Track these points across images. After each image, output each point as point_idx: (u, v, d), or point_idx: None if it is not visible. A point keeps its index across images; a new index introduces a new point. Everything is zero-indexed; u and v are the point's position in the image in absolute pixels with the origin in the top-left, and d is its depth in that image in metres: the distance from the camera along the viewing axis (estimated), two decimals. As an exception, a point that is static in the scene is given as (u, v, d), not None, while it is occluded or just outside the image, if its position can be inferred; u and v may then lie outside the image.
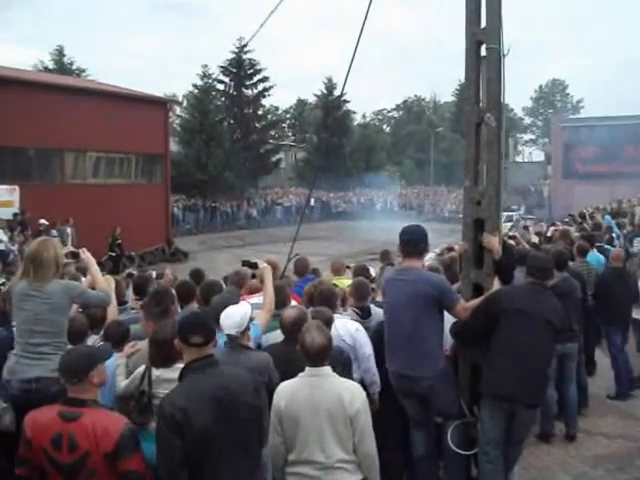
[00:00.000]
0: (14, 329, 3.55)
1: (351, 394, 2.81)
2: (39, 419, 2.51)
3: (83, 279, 4.32)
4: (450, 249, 6.65)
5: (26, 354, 3.21)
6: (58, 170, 18.67)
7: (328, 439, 2.76)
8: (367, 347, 3.87)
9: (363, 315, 4.24)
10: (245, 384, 2.65)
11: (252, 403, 2.63)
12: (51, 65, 35.18)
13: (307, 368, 2.86)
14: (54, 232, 15.36)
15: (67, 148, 18.46)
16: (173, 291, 4.19)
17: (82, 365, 2.54)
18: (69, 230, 16.06)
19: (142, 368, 3.06)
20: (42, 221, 15.17)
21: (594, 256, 7.02)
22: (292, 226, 23.43)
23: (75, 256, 3.85)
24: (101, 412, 2.58)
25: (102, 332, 3.69)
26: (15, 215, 14.93)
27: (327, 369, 2.86)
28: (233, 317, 3.16)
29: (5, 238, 13.83)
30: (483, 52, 3.88)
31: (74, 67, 35.87)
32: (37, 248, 3.37)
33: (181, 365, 2.90)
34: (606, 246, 8.25)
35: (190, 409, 2.45)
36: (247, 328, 3.23)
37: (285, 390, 2.83)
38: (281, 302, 4.05)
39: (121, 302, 4.64)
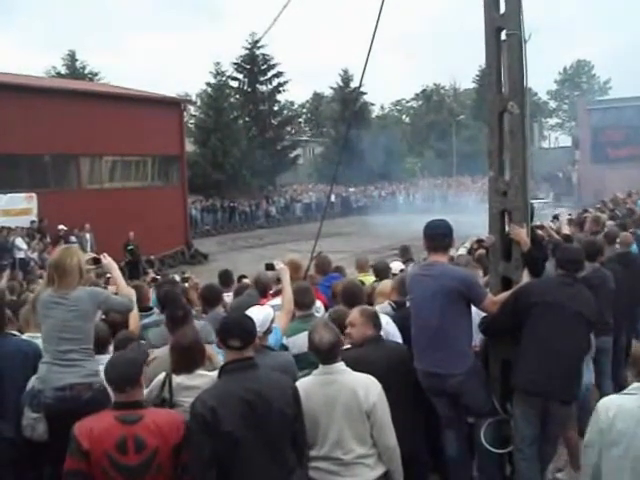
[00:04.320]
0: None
1: (365, 388, 2.84)
2: (96, 428, 2.53)
3: (110, 287, 4.34)
4: (480, 241, 6.37)
5: (57, 361, 3.22)
6: (74, 176, 18.69)
7: (346, 435, 2.80)
8: (398, 340, 3.86)
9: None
10: (282, 390, 2.65)
11: (285, 409, 2.61)
12: (63, 70, 35.36)
13: (320, 366, 2.91)
14: (73, 238, 15.36)
15: (82, 153, 18.44)
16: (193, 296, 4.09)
17: (133, 372, 2.62)
18: (88, 236, 16.06)
19: (162, 375, 3.04)
20: (61, 227, 15.19)
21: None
22: (312, 223, 23.07)
23: (96, 262, 3.79)
24: (156, 410, 2.75)
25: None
26: (33, 222, 14.95)
27: (340, 365, 2.89)
28: (255, 315, 3.18)
29: (24, 246, 13.83)
30: (503, 37, 3.76)
31: (86, 71, 36.01)
32: (60, 256, 3.38)
33: (203, 372, 3.00)
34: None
35: (219, 410, 2.47)
36: (269, 330, 3.28)
37: (301, 389, 2.81)
38: (306, 303, 4.02)
39: (146, 308, 4.54)
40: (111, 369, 2.65)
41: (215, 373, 2.97)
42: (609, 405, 2.65)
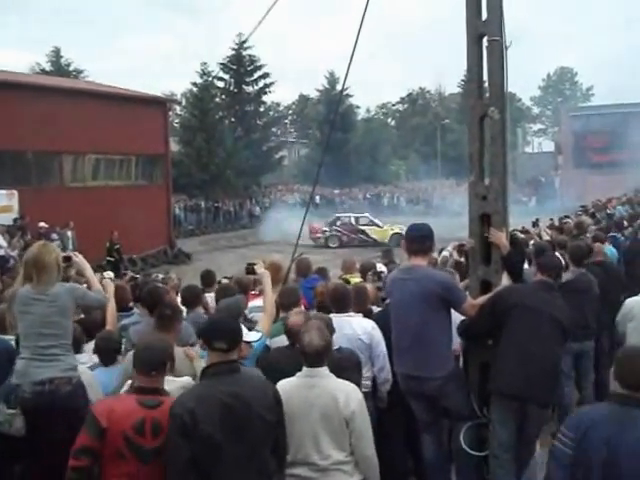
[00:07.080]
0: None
1: (346, 395, 2.80)
2: (117, 408, 2.57)
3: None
4: (462, 246, 6.46)
5: (36, 357, 3.20)
6: (57, 173, 18.52)
7: (323, 440, 2.77)
8: (383, 345, 3.86)
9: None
10: (263, 393, 2.61)
11: (266, 414, 2.56)
12: (48, 67, 34.96)
13: (304, 368, 2.86)
14: (55, 236, 15.13)
15: (66, 151, 18.28)
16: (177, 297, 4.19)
17: (162, 358, 2.65)
18: (69, 234, 15.85)
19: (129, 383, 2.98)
20: (42, 224, 14.96)
21: (607, 249, 6.78)
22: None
23: (67, 260, 3.79)
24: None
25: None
26: (15, 220, 14.73)
27: (324, 370, 2.85)
28: None
29: (5, 244, 13.61)
30: (485, 43, 3.80)
31: (71, 68, 35.64)
32: (38, 252, 3.36)
33: (172, 378, 2.91)
34: (620, 238, 7.99)
35: (198, 413, 2.44)
36: None
37: (281, 389, 2.77)
38: (293, 305, 3.99)
39: (126, 308, 4.52)
40: (144, 350, 2.67)
41: (183, 379, 2.95)
42: (632, 302, 4.79)
